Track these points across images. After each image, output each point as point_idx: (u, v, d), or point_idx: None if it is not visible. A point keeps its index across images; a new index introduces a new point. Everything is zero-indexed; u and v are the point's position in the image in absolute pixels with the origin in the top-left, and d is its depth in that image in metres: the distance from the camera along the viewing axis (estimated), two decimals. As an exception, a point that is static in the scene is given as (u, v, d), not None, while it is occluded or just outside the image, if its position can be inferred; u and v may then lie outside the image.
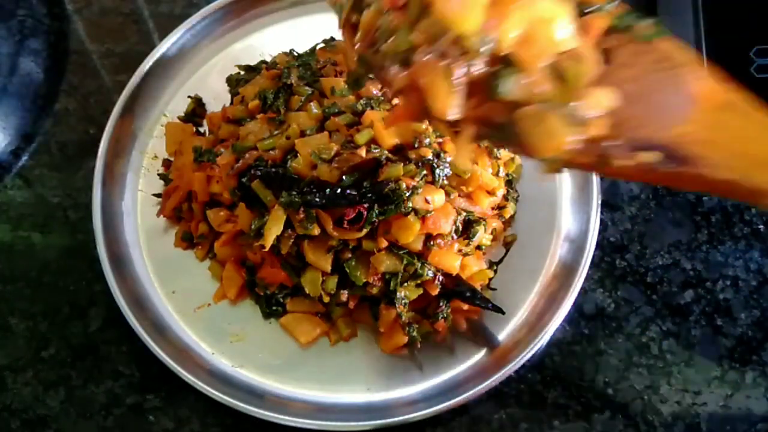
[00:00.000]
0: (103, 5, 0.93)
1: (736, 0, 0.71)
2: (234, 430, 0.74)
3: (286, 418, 0.70)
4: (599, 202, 0.76)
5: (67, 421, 0.74)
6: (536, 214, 0.78)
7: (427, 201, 0.68)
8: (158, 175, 0.81)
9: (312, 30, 0.85)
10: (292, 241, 0.69)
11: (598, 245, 0.76)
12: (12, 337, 0.77)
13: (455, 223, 0.70)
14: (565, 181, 0.79)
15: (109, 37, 0.90)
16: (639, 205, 0.81)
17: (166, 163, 0.81)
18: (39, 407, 0.75)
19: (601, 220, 0.77)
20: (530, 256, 0.77)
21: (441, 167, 0.69)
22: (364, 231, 0.67)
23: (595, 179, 0.76)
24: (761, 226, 0.80)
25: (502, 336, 0.74)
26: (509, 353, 0.72)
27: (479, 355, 0.74)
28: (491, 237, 0.75)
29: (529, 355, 0.71)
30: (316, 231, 0.67)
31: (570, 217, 0.78)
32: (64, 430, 0.74)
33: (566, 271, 0.75)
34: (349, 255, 0.69)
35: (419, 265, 0.69)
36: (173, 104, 0.84)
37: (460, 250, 0.71)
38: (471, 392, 0.70)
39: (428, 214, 0.68)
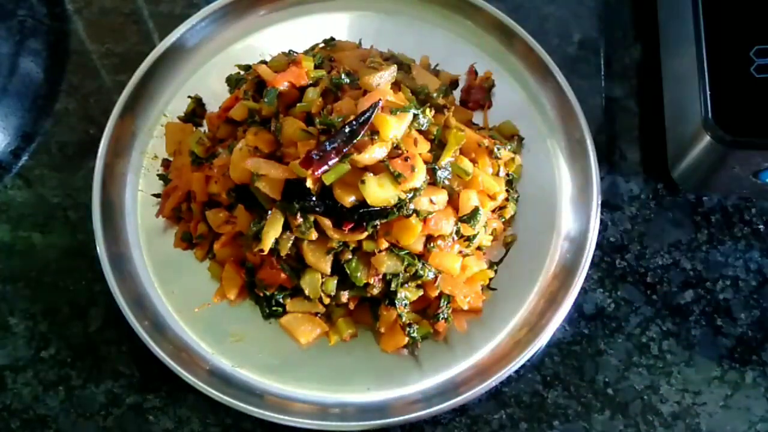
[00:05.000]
0: (103, 5, 0.92)
1: (736, 0, 0.70)
2: (234, 430, 0.74)
3: (286, 418, 0.70)
4: (599, 202, 0.76)
5: (67, 421, 0.75)
6: (536, 214, 0.78)
7: (432, 202, 0.68)
8: (158, 175, 0.81)
9: (312, 30, 0.85)
10: (291, 242, 0.69)
11: (598, 245, 0.76)
12: (12, 337, 0.78)
13: (456, 224, 0.70)
14: (565, 181, 0.79)
15: (109, 37, 0.90)
16: (639, 205, 0.81)
17: (166, 164, 0.81)
18: (39, 407, 0.75)
19: (601, 220, 0.77)
20: (530, 256, 0.77)
21: (442, 168, 0.69)
22: (365, 233, 0.67)
23: (596, 179, 0.76)
24: (761, 226, 0.80)
25: (502, 336, 0.74)
26: (509, 353, 0.72)
27: (479, 355, 0.74)
28: (491, 237, 0.75)
29: (529, 355, 0.71)
30: (314, 236, 0.67)
31: (570, 217, 0.77)
32: (64, 430, 0.74)
33: (566, 271, 0.75)
34: (350, 256, 0.69)
35: (420, 266, 0.69)
36: (173, 104, 0.83)
37: (460, 251, 0.71)
38: (471, 392, 0.70)
39: (429, 216, 0.68)
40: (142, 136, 0.82)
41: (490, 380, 0.70)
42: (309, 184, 0.64)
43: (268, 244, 0.68)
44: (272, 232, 0.68)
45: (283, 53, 0.80)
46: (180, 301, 0.76)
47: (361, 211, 0.66)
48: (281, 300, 0.74)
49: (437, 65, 0.84)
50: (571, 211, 0.78)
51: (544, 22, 0.89)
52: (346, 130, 0.65)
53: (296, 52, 0.79)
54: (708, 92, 0.68)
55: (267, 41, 0.86)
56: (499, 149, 0.75)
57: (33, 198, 0.83)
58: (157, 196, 0.80)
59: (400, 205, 0.66)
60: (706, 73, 0.69)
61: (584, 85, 0.86)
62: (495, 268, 0.76)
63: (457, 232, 0.70)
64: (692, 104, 0.70)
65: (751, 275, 0.78)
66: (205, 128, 0.82)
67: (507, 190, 0.76)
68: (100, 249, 0.75)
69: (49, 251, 0.81)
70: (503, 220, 0.77)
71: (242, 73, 0.81)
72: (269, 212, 0.69)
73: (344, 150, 0.64)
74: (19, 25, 0.91)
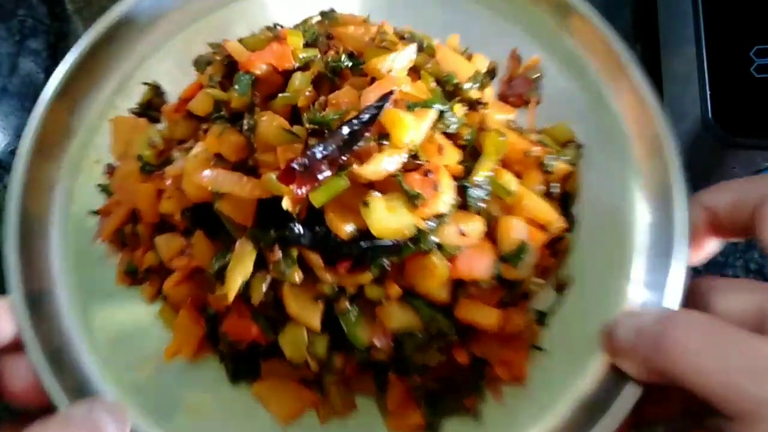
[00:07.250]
0: (103, 5, 0.89)
1: (736, 0, 0.74)
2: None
3: None
4: (688, 227, 0.55)
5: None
6: (599, 248, 0.58)
7: (462, 233, 0.50)
8: (98, 185, 0.62)
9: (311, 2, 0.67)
10: (266, 285, 0.51)
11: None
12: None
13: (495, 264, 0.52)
14: (639, 201, 0.58)
15: (109, 37, 0.87)
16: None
17: (110, 170, 0.62)
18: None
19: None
20: (591, 304, 0.56)
21: (476, 186, 0.51)
22: (369, 276, 0.49)
23: (681, 199, 0.56)
24: (763, 226, 0.73)
25: (556, 413, 0.54)
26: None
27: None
28: (542, 281, 0.56)
29: None
30: (297, 278, 0.50)
31: (646, 252, 0.57)
32: None
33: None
34: (347, 306, 0.52)
35: (444, 321, 0.51)
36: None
37: (500, 301, 0.53)
38: None
39: (459, 252, 0.50)
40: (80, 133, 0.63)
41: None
42: (288, 205, 0.47)
43: (233, 287, 0.51)
44: (240, 270, 0.51)
45: (267, 27, 0.62)
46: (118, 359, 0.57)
47: (363, 244, 0.49)
48: (254, 360, 0.56)
49: (467, 48, 0.65)
50: (649, 243, 0.57)
51: (543, 22, 0.84)
52: (345, 131, 0.49)
53: (280, 26, 0.61)
54: (708, 92, 0.71)
55: (254, 13, 0.66)
56: (552, 160, 0.57)
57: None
58: (95, 213, 0.61)
59: (418, 237, 0.49)
60: (706, 73, 0.72)
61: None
62: (545, 321, 0.57)
63: (497, 275, 0.52)
64: (692, 104, 0.72)
65: (751, 275, 0.80)
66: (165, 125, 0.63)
67: (561, 214, 0.57)
68: (13, 283, 0.55)
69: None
70: (554, 255, 0.58)
71: (213, 52, 0.63)
72: (238, 242, 0.51)
73: (341, 159, 0.48)
74: (19, 25, 0.93)
